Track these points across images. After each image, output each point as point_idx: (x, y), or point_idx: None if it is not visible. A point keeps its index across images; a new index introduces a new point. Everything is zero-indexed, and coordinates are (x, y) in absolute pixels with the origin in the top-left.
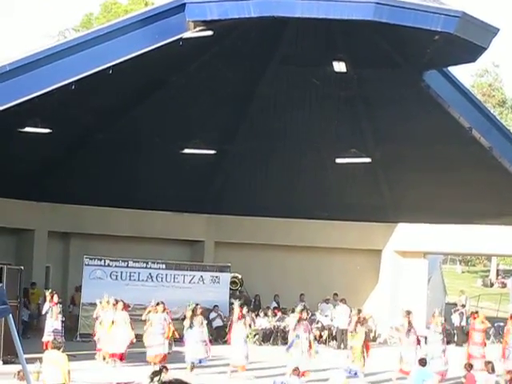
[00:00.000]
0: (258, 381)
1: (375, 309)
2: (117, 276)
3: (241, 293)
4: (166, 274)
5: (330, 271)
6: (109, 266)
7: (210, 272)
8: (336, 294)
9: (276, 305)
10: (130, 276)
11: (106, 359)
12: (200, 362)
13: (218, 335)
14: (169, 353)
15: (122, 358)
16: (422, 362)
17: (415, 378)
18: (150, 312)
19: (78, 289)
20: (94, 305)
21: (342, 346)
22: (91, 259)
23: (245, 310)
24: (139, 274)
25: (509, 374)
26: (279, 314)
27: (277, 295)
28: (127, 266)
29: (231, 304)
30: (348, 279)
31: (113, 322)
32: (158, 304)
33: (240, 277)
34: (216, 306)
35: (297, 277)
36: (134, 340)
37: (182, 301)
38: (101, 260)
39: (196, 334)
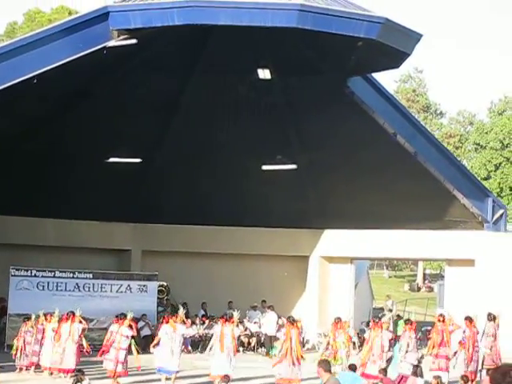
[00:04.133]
0: None
1: (303, 315)
2: (43, 286)
3: (168, 301)
4: (93, 284)
5: (258, 278)
6: (35, 276)
7: (138, 281)
8: (264, 301)
9: (204, 313)
10: (57, 286)
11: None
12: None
13: (146, 344)
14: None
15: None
16: (352, 367)
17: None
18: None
19: (3, 300)
20: (21, 316)
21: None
22: (17, 270)
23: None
24: (66, 284)
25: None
26: (207, 321)
27: (204, 303)
28: (54, 276)
29: (159, 313)
30: (276, 286)
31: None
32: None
33: (166, 285)
34: (144, 314)
35: (224, 284)
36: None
37: (110, 310)
38: (27, 271)
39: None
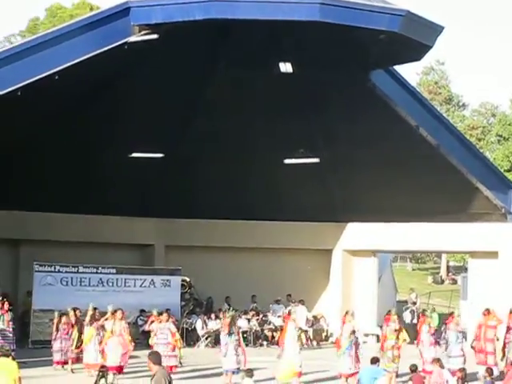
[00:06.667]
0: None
1: (327, 308)
2: (67, 282)
3: (191, 295)
4: (117, 279)
5: (281, 272)
6: (59, 271)
7: (161, 275)
8: (289, 295)
9: (228, 307)
10: (80, 281)
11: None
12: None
13: (146, 339)
14: (180, 363)
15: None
16: (374, 360)
17: (366, 377)
18: (153, 322)
19: (29, 294)
20: (45, 311)
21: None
22: (41, 265)
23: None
24: (90, 279)
25: (460, 372)
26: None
27: (228, 297)
28: (77, 272)
29: (182, 307)
30: (299, 279)
31: (111, 332)
32: (161, 313)
33: (188, 280)
34: (143, 310)
35: (248, 278)
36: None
37: (134, 305)
38: (51, 266)
39: (234, 343)
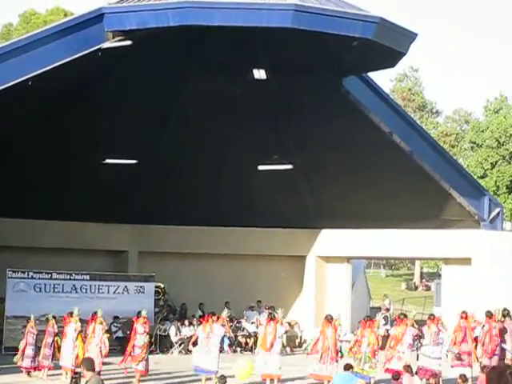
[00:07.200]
0: None
1: (301, 315)
2: (40, 288)
3: (165, 302)
4: (90, 285)
5: (255, 278)
6: (32, 278)
7: (135, 282)
8: (259, 301)
9: (201, 313)
10: (53, 288)
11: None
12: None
13: (120, 345)
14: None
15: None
16: (347, 367)
17: (339, 382)
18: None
19: (2, 301)
20: (18, 318)
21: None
22: (14, 272)
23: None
24: (63, 285)
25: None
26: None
27: (202, 304)
28: (51, 278)
29: (155, 314)
30: (273, 286)
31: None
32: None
33: (163, 286)
34: (116, 317)
35: (221, 285)
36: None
37: (107, 311)
38: (24, 272)
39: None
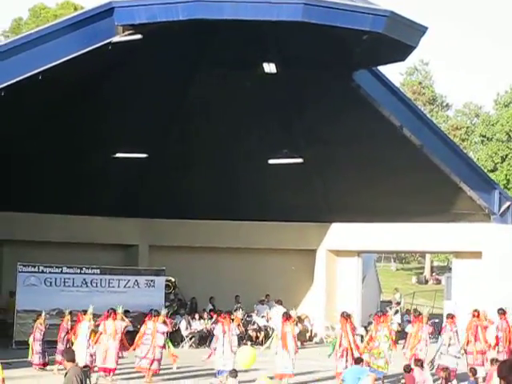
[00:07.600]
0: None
1: (311, 308)
2: (51, 282)
3: (175, 296)
4: (101, 279)
5: (266, 272)
6: (43, 272)
7: (145, 276)
8: (268, 295)
9: (212, 307)
10: (64, 282)
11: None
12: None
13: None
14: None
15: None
16: (358, 360)
17: (350, 376)
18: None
19: (12, 294)
20: (29, 312)
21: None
22: (25, 266)
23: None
24: (73, 279)
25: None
26: (215, 316)
27: (212, 298)
28: (61, 272)
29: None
30: (283, 280)
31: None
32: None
33: (173, 280)
34: (127, 311)
35: (232, 279)
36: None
37: (117, 305)
38: (34, 267)
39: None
